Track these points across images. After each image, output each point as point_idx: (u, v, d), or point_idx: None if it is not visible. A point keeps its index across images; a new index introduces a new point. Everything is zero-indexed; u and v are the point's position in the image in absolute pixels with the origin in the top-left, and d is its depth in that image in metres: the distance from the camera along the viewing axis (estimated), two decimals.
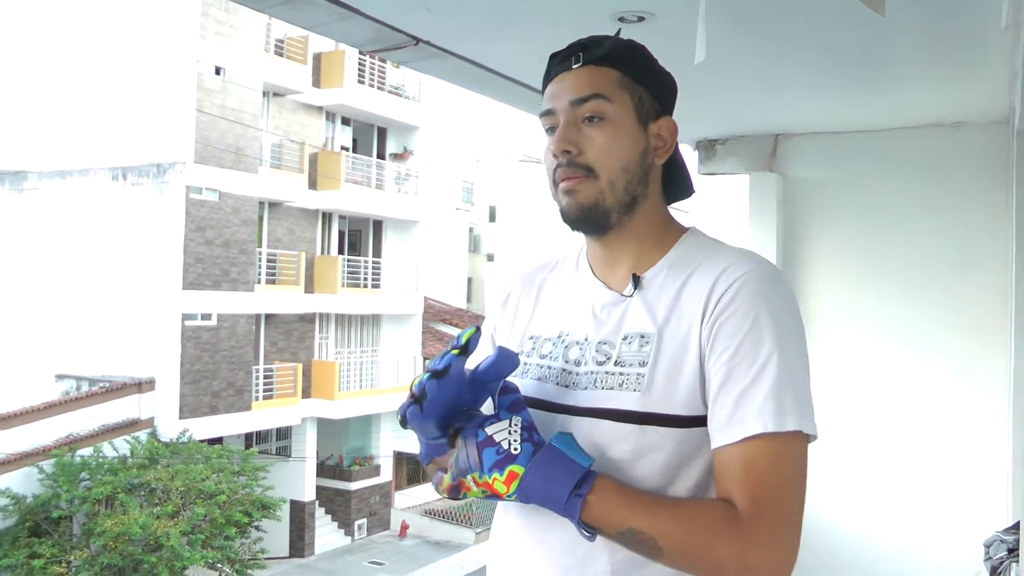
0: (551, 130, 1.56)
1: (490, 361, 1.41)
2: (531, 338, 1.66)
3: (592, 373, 1.51)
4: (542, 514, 1.45)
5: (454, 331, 29.70)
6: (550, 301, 1.68)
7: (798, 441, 1.41)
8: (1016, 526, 3.03)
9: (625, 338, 1.51)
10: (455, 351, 1.40)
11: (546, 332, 1.64)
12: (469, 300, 38.63)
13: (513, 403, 1.41)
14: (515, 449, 1.37)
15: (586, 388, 1.51)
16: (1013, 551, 2.88)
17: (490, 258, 40.27)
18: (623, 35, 1.62)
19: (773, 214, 4.32)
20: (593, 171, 1.52)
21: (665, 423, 1.44)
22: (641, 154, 1.55)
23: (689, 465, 1.45)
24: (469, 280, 38.98)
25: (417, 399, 1.40)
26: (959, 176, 4.03)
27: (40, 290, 22.11)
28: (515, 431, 1.38)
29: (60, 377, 21.09)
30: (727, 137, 4.45)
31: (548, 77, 1.60)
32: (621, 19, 2.64)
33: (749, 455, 1.38)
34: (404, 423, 1.44)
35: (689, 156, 4.59)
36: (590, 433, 1.47)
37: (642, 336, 1.50)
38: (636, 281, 1.55)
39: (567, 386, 1.54)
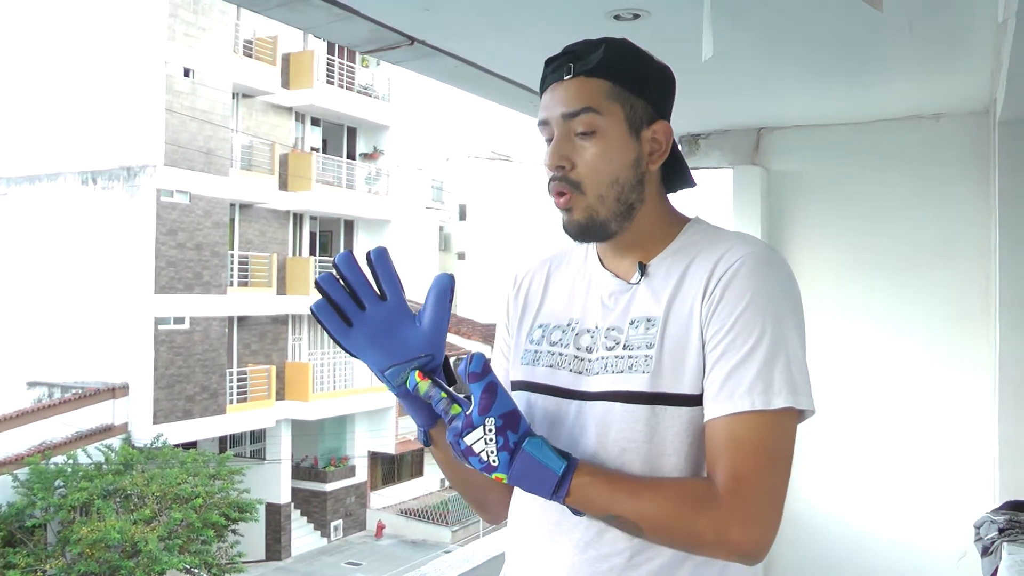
0: (548, 140, 1.59)
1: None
2: (540, 326, 1.70)
3: (603, 359, 1.56)
4: None
5: None
6: (559, 291, 1.72)
7: (786, 418, 1.45)
8: (1005, 506, 3.09)
9: (632, 323, 1.56)
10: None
11: (555, 320, 1.68)
12: None
13: (486, 390, 1.42)
14: (493, 462, 1.42)
15: (598, 373, 1.56)
16: (1004, 531, 2.94)
17: (461, 256, 40.17)
18: (618, 34, 1.64)
19: (757, 207, 4.36)
20: (580, 187, 1.55)
21: (674, 402, 1.49)
22: (633, 163, 1.57)
23: (700, 443, 1.50)
24: None
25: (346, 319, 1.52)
26: (940, 167, 4.08)
27: (10, 296, 21.89)
28: (490, 439, 1.42)
29: (32, 384, 20.88)
30: (710, 132, 4.50)
31: (543, 85, 1.62)
32: (616, 16, 2.67)
33: (734, 430, 1.43)
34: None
35: None
36: (604, 416, 1.53)
37: (648, 320, 1.54)
38: (642, 269, 1.60)
39: (580, 373, 1.58)
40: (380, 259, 1.53)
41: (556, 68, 1.59)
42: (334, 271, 1.51)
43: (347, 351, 1.53)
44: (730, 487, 1.41)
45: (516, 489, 1.67)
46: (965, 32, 2.91)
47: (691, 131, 4.53)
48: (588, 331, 1.62)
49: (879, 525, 4.14)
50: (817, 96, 3.86)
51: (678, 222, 1.66)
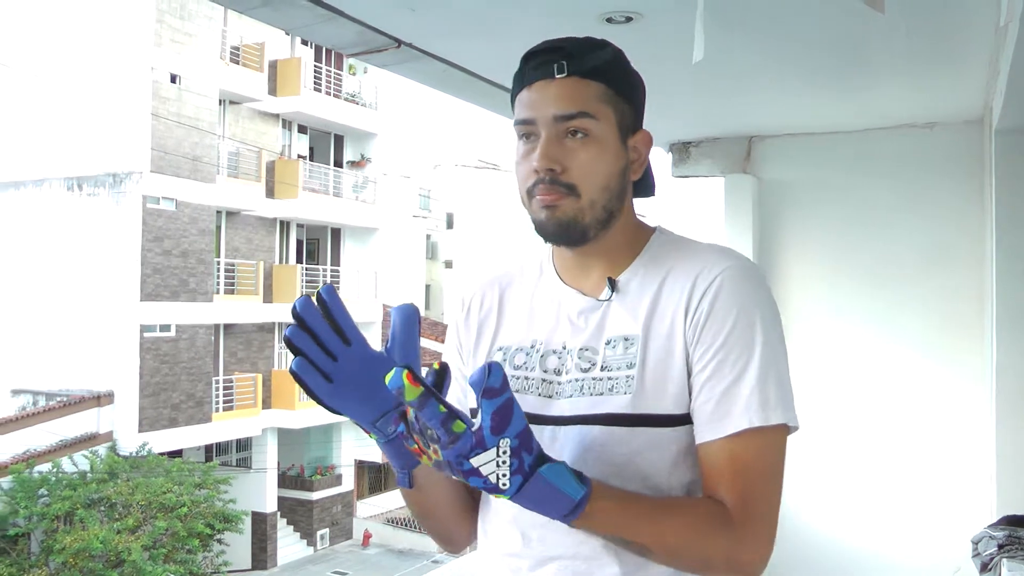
0: (526, 137, 1.50)
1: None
2: (500, 349, 1.60)
3: (577, 380, 1.48)
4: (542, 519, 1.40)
5: None
6: (517, 310, 1.63)
7: (781, 434, 1.44)
8: (1003, 520, 3.04)
9: (608, 342, 1.48)
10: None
11: (517, 342, 1.59)
12: (428, 307, 38.49)
13: (500, 411, 1.22)
14: (503, 485, 1.24)
15: (571, 396, 1.47)
16: (1003, 547, 2.88)
17: (448, 265, 40.17)
18: (610, 37, 1.56)
19: (749, 216, 4.32)
20: (575, 189, 1.46)
21: (657, 423, 1.44)
22: (622, 171, 1.51)
23: (683, 462, 1.45)
24: (427, 287, 38.83)
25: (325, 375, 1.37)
26: (932, 176, 4.06)
27: None
28: (503, 461, 1.23)
29: (16, 392, 20.77)
30: (701, 139, 4.45)
31: (525, 80, 1.51)
32: (609, 19, 2.62)
33: (734, 450, 1.40)
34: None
35: (663, 159, 4.59)
36: (581, 441, 1.44)
37: (626, 339, 1.47)
38: (613, 285, 1.52)
39: (549, 396, 1.50)
40: (331, 298, 1.39)
41: (542, 64, 1.49)
42: (296, 321, 1.36)
43: (331, 409, 1.39)
44: (739, 509, 1.39)
45: (487, 512, 1.58)
46: (960, 40, 2.87)
47: (682, 139, 4.47)
48: (555, 352, 1.53)
49: (872, 539, 4.09)
50: (809, 104, 3.82)
51: (644, 232, 1.59)
